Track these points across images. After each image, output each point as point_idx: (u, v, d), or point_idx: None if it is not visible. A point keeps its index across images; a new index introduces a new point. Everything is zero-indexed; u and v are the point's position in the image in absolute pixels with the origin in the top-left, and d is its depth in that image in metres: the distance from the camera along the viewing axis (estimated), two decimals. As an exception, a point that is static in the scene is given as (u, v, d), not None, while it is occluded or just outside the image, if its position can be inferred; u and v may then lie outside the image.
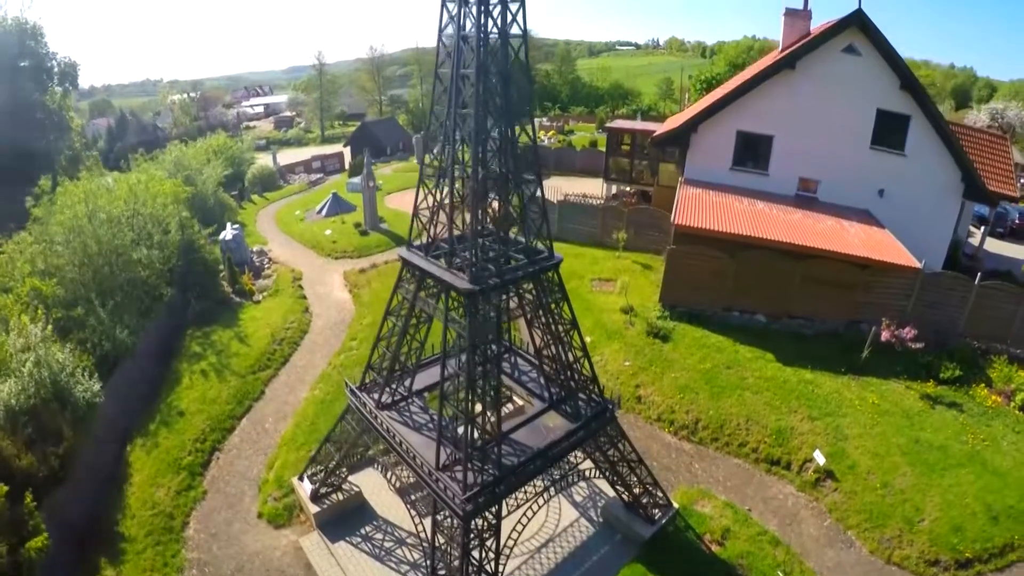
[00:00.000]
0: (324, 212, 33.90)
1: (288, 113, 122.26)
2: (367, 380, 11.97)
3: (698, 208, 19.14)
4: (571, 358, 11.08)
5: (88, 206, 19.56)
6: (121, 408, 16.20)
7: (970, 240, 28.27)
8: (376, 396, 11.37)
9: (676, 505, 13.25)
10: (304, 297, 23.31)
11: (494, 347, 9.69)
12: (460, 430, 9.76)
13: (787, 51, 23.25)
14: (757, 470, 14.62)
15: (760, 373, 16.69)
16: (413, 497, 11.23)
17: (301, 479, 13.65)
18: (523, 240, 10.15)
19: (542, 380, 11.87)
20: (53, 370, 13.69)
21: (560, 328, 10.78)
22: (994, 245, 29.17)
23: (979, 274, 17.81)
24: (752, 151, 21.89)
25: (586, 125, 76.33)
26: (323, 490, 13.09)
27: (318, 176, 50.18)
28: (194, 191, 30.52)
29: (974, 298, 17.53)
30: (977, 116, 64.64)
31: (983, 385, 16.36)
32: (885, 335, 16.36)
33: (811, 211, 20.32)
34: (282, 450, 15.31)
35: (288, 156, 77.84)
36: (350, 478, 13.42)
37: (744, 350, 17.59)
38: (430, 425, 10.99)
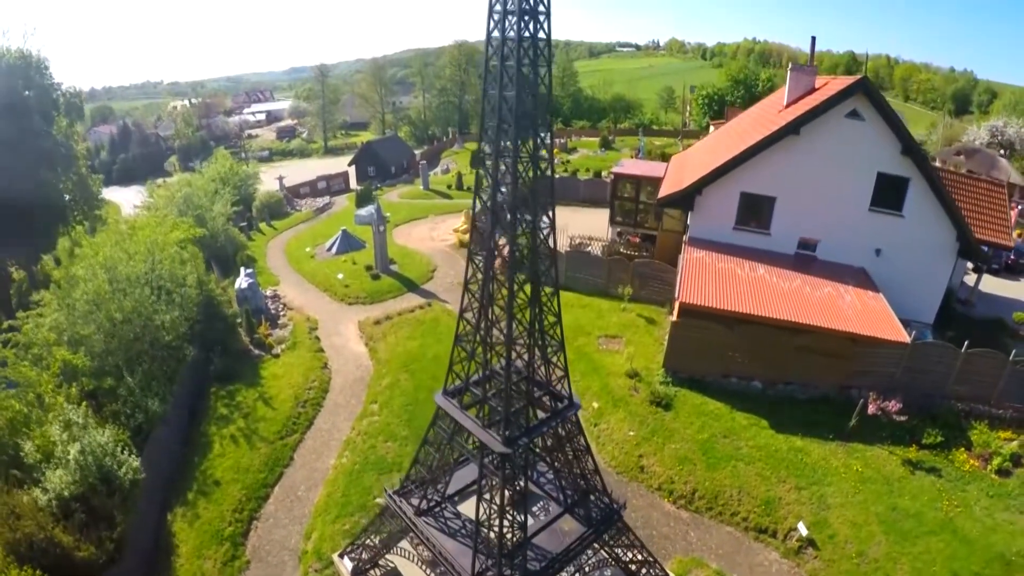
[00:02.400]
0: (334, 250, 34.65)
1: (290, 121, 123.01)
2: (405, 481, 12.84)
3: (701, 278, 19.94)
4: (586, 472, 11.95)
5: (109, 273, 20.24)
6: (155, 474, 16.93)
7: (965, 279, 29.02)
8: (415, 502, 12.21)
9: (672, 576, 14.10)
10: (321, 350, 24.08)
11: (521, 482, 10.59)
12: (491, 534, 10.62)
13: (791, 106, 24.11)
14: (747, 538, 15.66)
15: (754, 442, 17.72)
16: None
17: (342, 556, 14.50)
18: (540, 372, 10.99)
19: (558, 482, 12.72)
20: (97, 455, 14.46)
21: (578, 453, 11.67)
22: (988, 283, 29.52)
23: (966, 343, 18.67)
24: (755, 212, 22.64)
25: (588, 140, 76.91)
26: (364, 566, 13.92)
27: (324, 201, 50.87)
28: (205, 233, 31.26)
29: (960, 364, 18.51)
30: (977, 132, 65.42)
31: (963, 449, 17.39)
32: (872, 408, 17.31)
33: (809, 273, 21.09)
34: (317, 521, 16.15)
35: (292, 171, 78.69)
36: (388, 556, 14.21)
37: (740, 417, 18.61)
38: (463, 531, 11.85)
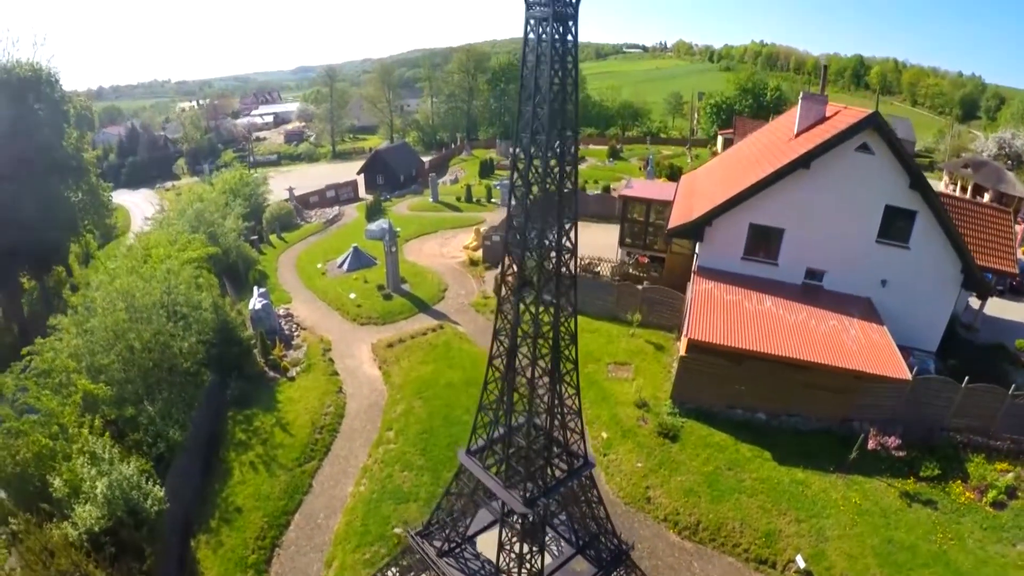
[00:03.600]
0: (346, 267, 35.12)
1: (298, 124, 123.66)
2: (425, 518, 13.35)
3: (709, 311, 20.36)
4: (598, 517, 12.42)
5: (127, 301, 20.67)
6: (177, 502, 17.26)
7: (970, 302, 29.27)
8: (437, 544, 12.70)
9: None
10: (336, 373, 24.55)
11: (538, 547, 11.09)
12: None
13: (801, 135, 24.38)
14: (747, 568, 16.08)
15: (757, 474, 18.24)
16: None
17: None
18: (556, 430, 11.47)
19: (571, 524, 13.20)
20: (124, 489, 14.91)
21: (591, 503, 12.15)
22: (993, 305, 29.61)
23: (966, 378, 19.08)
24: (763, 242, 23.01)
25: (597, 149, 77.29)
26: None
27: (334, 212, 51.39)
28: (218, 251, 31.75)
29: (960, 398, 19.00)
30: (984, 144, 65.51)
31: (959, 481, 17.92)
32: (872, 443, 17.77)
33: (815, 305, 21.48)
34: (337, 550, 16.57)
35: (300, 176, 79.40)
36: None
37: (744, 448, 19.13)
38: (483, 572, 12.34)
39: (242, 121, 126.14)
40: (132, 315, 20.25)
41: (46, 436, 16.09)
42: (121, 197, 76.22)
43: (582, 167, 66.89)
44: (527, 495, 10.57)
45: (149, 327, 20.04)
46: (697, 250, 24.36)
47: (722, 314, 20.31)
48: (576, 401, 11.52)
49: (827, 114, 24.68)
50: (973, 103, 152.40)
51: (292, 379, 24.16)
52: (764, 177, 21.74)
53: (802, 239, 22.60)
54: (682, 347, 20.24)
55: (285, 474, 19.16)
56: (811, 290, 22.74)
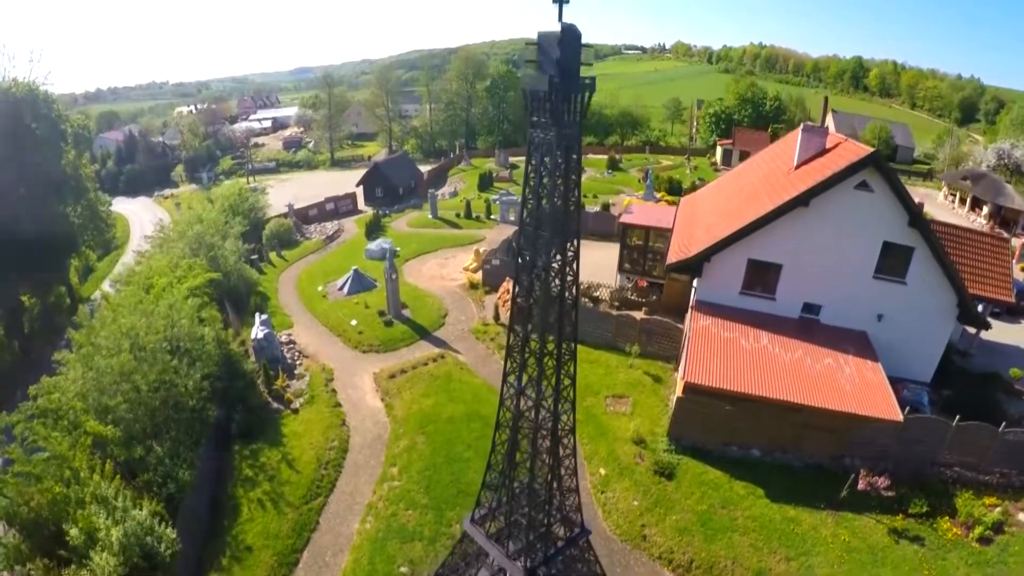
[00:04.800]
0: (346, 290, 35.35)
1: (296, 130, 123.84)
2: None
3: (707, 351, 20.68)
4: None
5: (131, 341, 20.90)
6: (188, 541, 17.44)
7: (966, 327, 29.47)
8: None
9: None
10: (339, 404, 24.81)
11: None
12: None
13: (801, 167, 24.59)
14: None
15: (749, 512, 18.63)
16: None
17: None
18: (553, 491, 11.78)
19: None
20: (138, 535, 15.17)
21: (589, 565, 12.48)
22: (990, 331, 28.88)
23: (957, 417, 19.44)
24: (761, 277, 23.25)
25: (596, 159, 77.54)
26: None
27: (334, 228, 51.58)
28: (219, 276, 31.91)
29: (951, 435, 19.35)
30: (984, 154, 65.77)
31: (947, 517, 18.30)
32: (862, 484, 18.08)
33: (811, 341, 21.76)
34: (346, 588, 16.94)
35: (299, 185, 79.62)
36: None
37: (738, 486, 19.50)
38: None
39: (240, 126, 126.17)
40: (137, 355, 20.48)
41: (58, 480, 16.38)
42: (120, 205, 76.46)
43: (582, 178, 67.10)
44: (528, 565, 10.87)
45: (154, 368, 20.28)
46: (695, 284, 24.60)
47: (719, 354, 20.60)
48: (573, 462, 11.80)
49: (827, 145, 24.90)
50: (972, 106, 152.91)
51: (296, 411, 24.43)
52: (763, 215, 21.97)
53: (800, 274, 22.84)
54: (679, 388, 20.53)
55: (293, 512, 19.46)
56: (808, 324, 23.02)
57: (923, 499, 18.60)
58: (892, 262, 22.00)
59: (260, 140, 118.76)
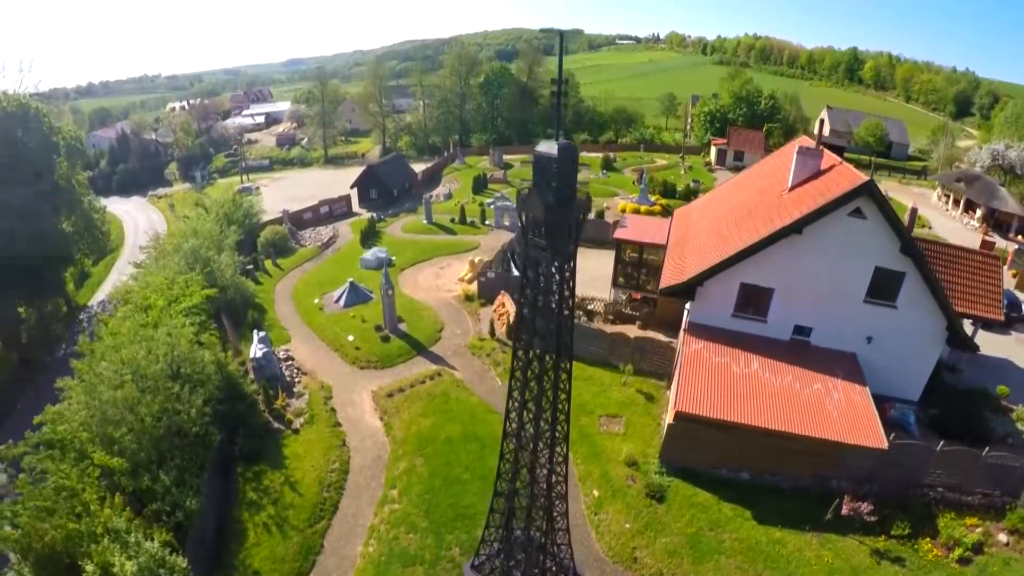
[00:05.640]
0: (342, 302, 35.59)
1: (290, 127, 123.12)
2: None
3: (698, 376, 21.19)
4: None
5: (134, 372, 21.16)
6: (195, 564, 17.48)
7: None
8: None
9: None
10: (338, 424, 25.13)
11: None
12: None
13: (795, 189, 24.82)
14: None
15: (737, 534, 19.20)
16: None
17: None
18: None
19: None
20: (151, 568, 15.47)
21: None
22: (980, 339, 28.76)
23: (941, 443, 20.02)
24: (753, 300, 23.69)
25: (590, 157, 77.67)
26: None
27: (329, 234, 51.68)
28: (216, 292, 32.07)
29: (935, 459, 19.91)
30: (978, 155, 66.04)
31: (928, 539, 18.86)
32: (845, 509, 18.71)
33: (801, 364, 22.24)
34: (352, 611, 17.42)
35: (293, 184, 79.57)
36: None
37: (727, 508, 20.07)
38: None
39: (233, 122, 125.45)
40: (139, 384, 20.77)
41: (71, 515, 16.67)
42: (114, 206, 76.15)
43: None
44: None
45: (157, 398, 20.57)
46: (688, 307, 25.01)
47: (710, 381, 21.07)
48: (564, 505, 12.26)
49: (822, 167, 25.08)
50: (967, 100, 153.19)
51: (296, 431, 24.78)
52: (756, 242, 22.34)
53: (791, 297, 23.31)
54: (670, 415, 20.99)
55: (297, 535, 19.87)
56: (798, 346, 23.52)
57: (906, 521, 19.15)
58: (883, 287, 22.43)
59: (253, 136, 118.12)
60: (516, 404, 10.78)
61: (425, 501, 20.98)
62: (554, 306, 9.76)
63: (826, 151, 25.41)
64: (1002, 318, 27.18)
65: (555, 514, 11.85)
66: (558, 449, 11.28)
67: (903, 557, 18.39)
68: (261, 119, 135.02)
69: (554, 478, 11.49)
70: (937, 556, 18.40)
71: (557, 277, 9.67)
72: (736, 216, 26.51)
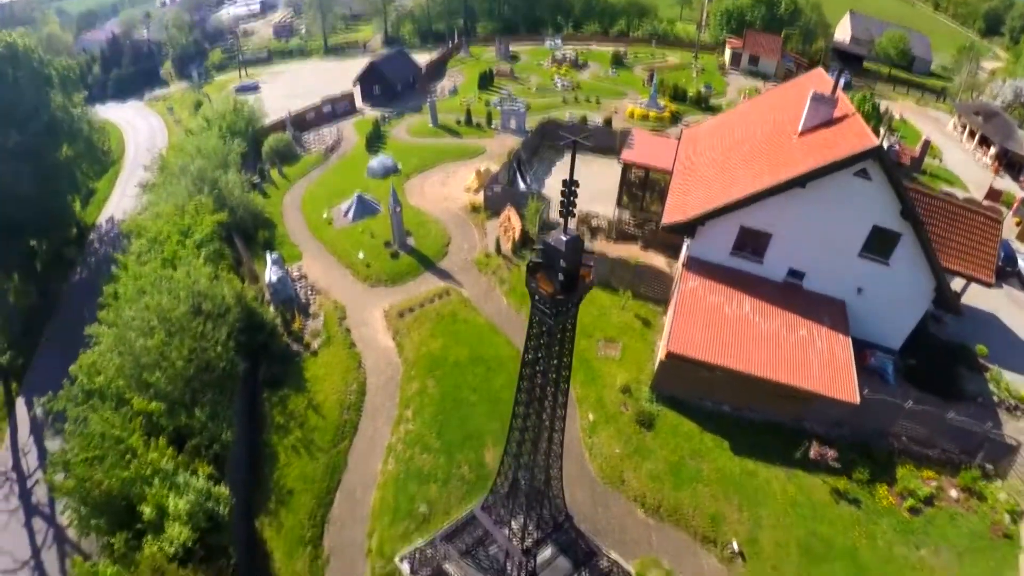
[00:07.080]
0: (351, 216, 36.12)
1: (286, 13, 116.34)
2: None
3: (692, 317, 22.65)
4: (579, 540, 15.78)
5: (159, 316, 22.48)
6: (234, 488, 19.75)
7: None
8: (460, 547, 16.19)
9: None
10: (354, 344, 26.88)
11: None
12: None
13: (805, 135, 24.43)
14: (695, 544, 19.64)
15: (715, 464, 21.42)
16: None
17: (401, 560, 18.60)
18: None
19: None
20: (201, 502, 17.77)
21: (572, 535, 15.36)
22: (971, 290, 28.59)
23: (910, 401, 21.49)
24: (751, 243, 24.37)
25: (599, 51, 74.26)
26: (418, 569, 18.09)
27: (333, 138, 51.00)
28: (226, 217, 32.69)
29: (903, 415, 21.58)
30: (1001, 88, 63.28)
31: (885, 485, 20.75)
32: (813, 453, 20.77)
33: (791, 308, 23.45)
34: (375, 524, 20.18)
35: (293, 77, 77.07)
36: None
37: (708, 438, 22.23)
38: (494, 569, 15.83)
39: (227, 12, 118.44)
40: (167, 328, 22.17)
41: (119, 460, 18.53)
42: (111, 112, 73.70)
43: (583, 76, 64.72)
44: (525, 547, 13.62)
45: (185, 341, 22.03)
46: (688, 241, 25.85)
47: (702, 322, 22.48)
48: (560, 462, 14.37)
49: (835, 115, 24.42)
50: (998, 18, 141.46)
51: (315, 353, 26.62)
52: (759, 191, 22.66)
53: (789, 244, 24.02)
54: (662, 351, 22.54)
55: (324, 455, 22.32)
56: (790, 288, 24.58)
57: (867, 466, 20.88)
58: (879, 245, 22.97)
59: (249, 27, 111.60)
60: (520, 422, 12.40)
61: (437, 422, 23.16)
62: (554, 360, 11.47)
63: (841, 97, 24.81)
64: (992, 281, 26.39)
65: (552, 473, 13.85)
66: (556, 436, 13.01)
67: (860, 499, 20.37)
68: (256, 7, 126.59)
69: (553, 450, 13.31)
70: (891, 503, 20.29)
71: (559, 336, 11.34)
72: (743, 154, 26.57)
